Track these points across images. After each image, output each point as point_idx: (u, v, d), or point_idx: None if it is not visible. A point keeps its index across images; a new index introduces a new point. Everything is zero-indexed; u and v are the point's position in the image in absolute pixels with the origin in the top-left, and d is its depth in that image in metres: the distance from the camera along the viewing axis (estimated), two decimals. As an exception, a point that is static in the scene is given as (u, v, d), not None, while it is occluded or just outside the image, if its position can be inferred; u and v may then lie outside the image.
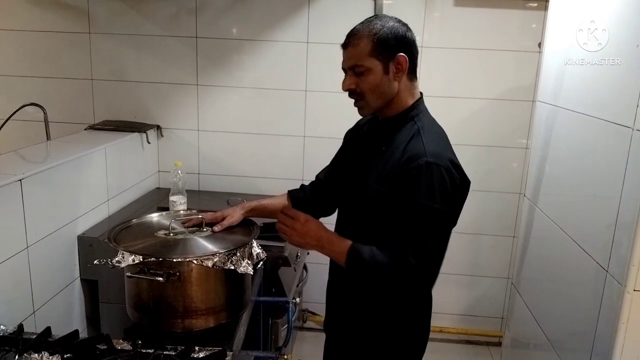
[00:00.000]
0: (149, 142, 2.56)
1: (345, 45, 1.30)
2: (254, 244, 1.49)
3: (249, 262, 1.41)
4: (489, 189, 2.63)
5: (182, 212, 1.73)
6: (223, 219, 1.54)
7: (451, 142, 1.32)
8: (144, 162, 2.58)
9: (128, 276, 1.37)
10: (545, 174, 1.96)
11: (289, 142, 2.67)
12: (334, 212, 1.53)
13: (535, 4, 2.43)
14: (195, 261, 1.33)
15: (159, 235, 1.48)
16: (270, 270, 1.99)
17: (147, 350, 1.28)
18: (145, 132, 2.51)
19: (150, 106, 2.67)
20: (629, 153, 1.34)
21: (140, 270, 1.32)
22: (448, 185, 1.20)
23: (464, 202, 1.30)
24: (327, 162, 1.60)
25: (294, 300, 2.12)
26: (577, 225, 1.65)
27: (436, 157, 1.20)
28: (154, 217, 1.64)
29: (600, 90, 1.54)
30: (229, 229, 1.53)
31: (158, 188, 2.69)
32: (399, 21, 1.29)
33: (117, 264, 1.34)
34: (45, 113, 2.27)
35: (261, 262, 1.49)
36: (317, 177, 1.61)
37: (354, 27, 1.29)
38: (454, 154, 1.28)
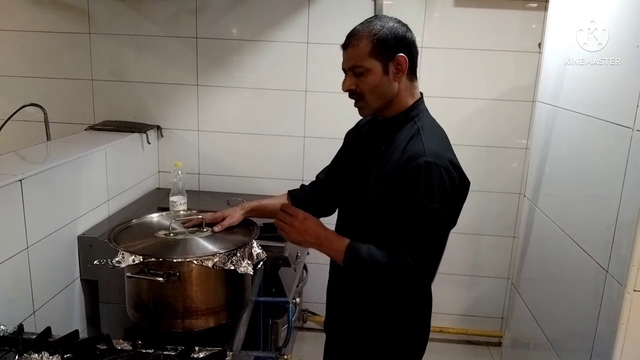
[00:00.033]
0: (149, 143, 2.56)
1: (345, 46, 1.30)
2: (254, 244, 1.49)
3: (249, 262, 1.41)
4: (489, 189, 2.63)
5: (182, 212, 1.73)
6: (223, 219, 1.55)
7: (451, 143, 1.32)
8: (144, 163, 2.58)
9: (128, 276, 1.37)
10: (545, 174, 1.96)
11: (289, 143, 2.67)
12: (334, 212, 1.54)
13: (535, 4, 2.43)
14: (195, 261, 1.33)
15: (159, 235, 1.48)
16: (270, 271, 1.99)
17: (147, 351, 1.28)
18: (145, 132, 2.51)
19: (151, 106, 2.67)
20: (629, 153, 1.34)
21: (141, 271, 1.32)
22: (447, 185, 1.20)
23: (463, 202, 1.30)
24: (327, 163, 1.61)
25: (294, 301, 2.12)
26: (577, 225, 1.65)
27: (436, 157, 1.20)
28: (154, 217, 1.64)
29: (600, 90, 1.54)
30: (229, 229, 1.54)
31: (158, 188, 2.69)
32: (399, 22, 1.29)
33: (117, 264, 1.35)
34: (45, 113, 2.27)
35: (261, 262, 1.49)
36: (317, 177, 1.61)
37: (354, 28, 1.30)
38: (454, 154, 1.28)
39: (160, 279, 1.30)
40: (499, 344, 2.74)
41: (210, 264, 1.33)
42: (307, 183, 1.64)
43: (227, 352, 1.29)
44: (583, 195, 1.61)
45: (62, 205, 1.81)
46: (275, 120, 2.65)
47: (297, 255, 2.24)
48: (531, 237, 2.07)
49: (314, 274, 2.60)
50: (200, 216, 1.54)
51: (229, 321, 1.44)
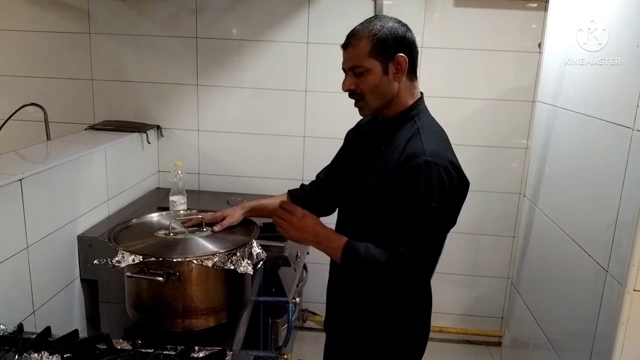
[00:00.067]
0: (149, 142, 2.56)
1: (345, 46, 1.30)
2: (254, 243, 1.49)
3: (249, 262, 1.41)
4: (489, 189, 2.63)
5: (182, 212, 1.73)
6: (223, 219, 1.55)
7: (451, 142, 1.32)
8: (144, 162, 2.58)
9: (128, 276, 1.37)
10: (545, 174, 1.96)
11: (289, 142, 2.67)
12: (334, 211, 1.54)
13: (535, 4, 2.43)
14: (195, 261, 1.33)
15: (159, 235, 1.48)
16: (270, 270, 1.99)
17: (147, 350, 1.28)
18: (145, 132, 2.51)
19: (151, 106, 2.67)
20: (629, 153, 1.34)
21: (140, 270, 1.32)
22: (446, 184, 1.20)
23: (462, 202, 1.30)
24: (327, 162, 1.61)
25: (294, 300, 2.12)
26: (577, 225, 1.65)
27: (435, 157, 1.20)
28: (154, 217, 1.64)
29: (600, 90, 1.54)
30: (229, 229, 1.54)
31: (158, 188, 2.69)
32: (399, 22, 1.29)
33: (117, 264, 1.34)
34: (45, 113, 2.27)
35: (261, 262, 1.49)
36: (317, 176, 1.62)
37: (354, 28, 1.30)
38: (453, 154, 1.28)
39: (160, 278, 1.30)
40: (498, 344, 2.74)
41: (210, 263, 1.33)
42: (307, 183, 1.65)
43: (227, 352, 1.29)
44: (583, 195, 1.61)
45: (62, 205, 1.81)
46: (276, 120, 2.65)
47: (297, 255, 2.24)
48: (531, 237, 2.07)
49: (313, 273, 2.60)
50: (200, 216, 1.54)
51: (228, 321, 1.44)
